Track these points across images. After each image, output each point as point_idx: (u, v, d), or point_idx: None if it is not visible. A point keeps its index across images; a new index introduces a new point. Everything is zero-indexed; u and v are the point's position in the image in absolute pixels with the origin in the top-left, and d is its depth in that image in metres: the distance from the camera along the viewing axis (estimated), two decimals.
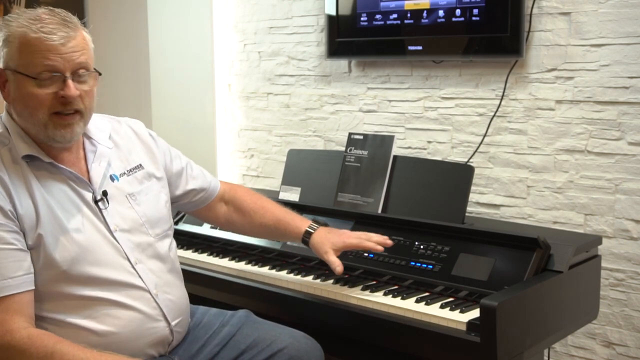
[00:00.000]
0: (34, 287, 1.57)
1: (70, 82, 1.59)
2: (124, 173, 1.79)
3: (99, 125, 1.80)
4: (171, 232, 1.88)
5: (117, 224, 1.70)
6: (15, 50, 1.57)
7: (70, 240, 1.60)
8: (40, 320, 1.59)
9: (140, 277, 1.70)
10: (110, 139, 1.79)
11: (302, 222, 2.06)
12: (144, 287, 1.70)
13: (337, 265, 1.95)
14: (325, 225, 2.06)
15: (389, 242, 2.02)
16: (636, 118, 2.28)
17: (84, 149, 1.73)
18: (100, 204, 1.69)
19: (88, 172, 1.71)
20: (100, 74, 1.68)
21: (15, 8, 4.12)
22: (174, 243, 1.88)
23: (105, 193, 1.70)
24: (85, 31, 1.66)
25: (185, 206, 2.07)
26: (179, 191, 1.99)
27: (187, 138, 3.23)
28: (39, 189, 1.61)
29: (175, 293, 1.79)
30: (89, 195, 1.68)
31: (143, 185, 1.81)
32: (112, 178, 1.75)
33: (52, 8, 1.63)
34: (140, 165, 1.84)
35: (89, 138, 1.75)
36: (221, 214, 2.11)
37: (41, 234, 1.58)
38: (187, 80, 3.28)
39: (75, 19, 1.64)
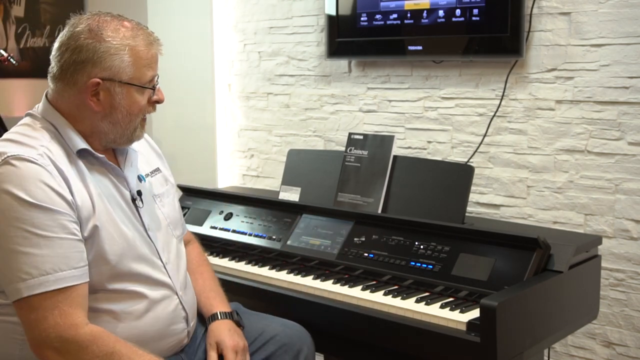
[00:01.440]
0: (89, 280, 1.56)
1: (159, 87, 1.70)
2: (148, 174, 1.82)
3: None
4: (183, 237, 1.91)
5: (149, 224, 1.72)
6: (128, 63, 1.62)
7: (119, 233, 1.62)
8: None
9: (169, 276, 1.71)
10: None
11: (220, 305, 1.89)
12: (172, 286, 1.71)
13: None
14: (238, 322, 1.88)
15: None
16: (636, 118, 2.28)
17: (113, 150, 1.75)
18: (137, 202, 1.71)
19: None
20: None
21: (16, 8, 4.12)
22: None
23: (139, 192, 1.73)
24: None
25: None
26: None
27: (187, 138, 3.23)
28: (92, 181, 1.62)
29: (191, 294, 1.82)
30: (127, 194, 1.70)
31: (164, 188, 1.85)
32: (140, 179, 1.77)
33: (133, 20, 1.68)
34: (158, 168, 1.88)
35: None
36: None
37: (97, 225, 1.57)
38: (187, 80, 3.28)
39: None
